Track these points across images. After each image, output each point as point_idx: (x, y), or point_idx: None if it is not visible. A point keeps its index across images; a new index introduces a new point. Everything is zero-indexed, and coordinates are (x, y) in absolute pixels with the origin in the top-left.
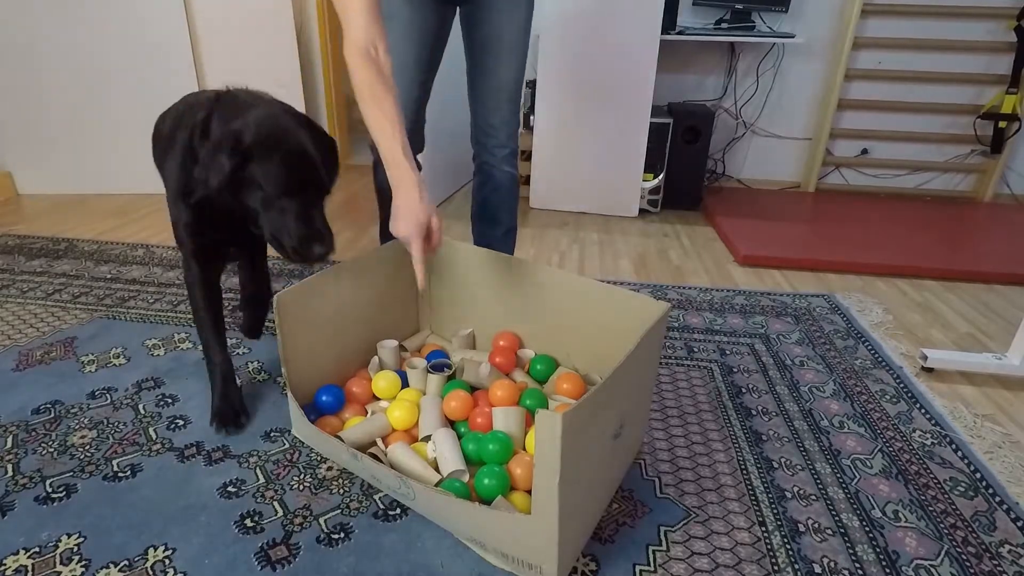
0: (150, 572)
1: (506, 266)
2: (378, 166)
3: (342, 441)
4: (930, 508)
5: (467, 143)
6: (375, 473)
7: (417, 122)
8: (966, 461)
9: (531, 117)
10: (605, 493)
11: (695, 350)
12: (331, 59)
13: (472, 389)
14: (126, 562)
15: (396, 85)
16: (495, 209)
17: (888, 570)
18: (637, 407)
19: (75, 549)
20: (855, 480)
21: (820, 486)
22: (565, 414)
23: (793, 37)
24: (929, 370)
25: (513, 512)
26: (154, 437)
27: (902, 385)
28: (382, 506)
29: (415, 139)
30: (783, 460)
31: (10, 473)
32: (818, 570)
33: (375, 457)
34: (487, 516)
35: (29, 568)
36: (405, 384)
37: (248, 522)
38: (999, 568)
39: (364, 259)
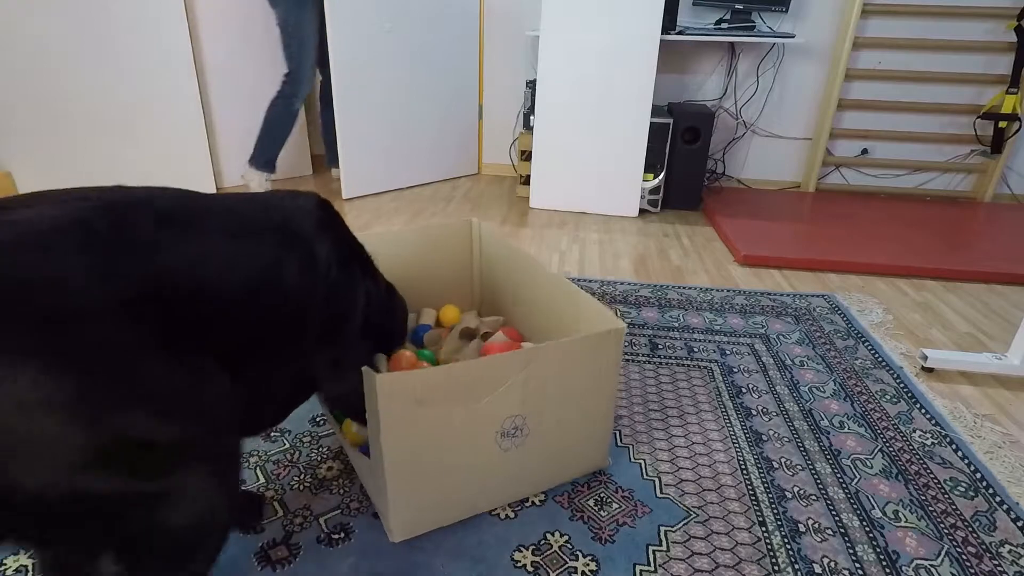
0: None
1: (522, 263)
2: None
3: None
4: (930, 508)
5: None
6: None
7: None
8: (966, 461)
9: (531, 117)
10: (493, 487)
11: (695, 350)
12: None
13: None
14: None
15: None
16: None
17: (888, 570)
18: (563, 420)
19: None
20: (855, 480)
21: (820, 486)
22: (380, 376)
23: (793, 37)
24: (929, 370)
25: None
26: None
27: (902, 385)
28: None
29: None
30: (783, 460)
31: None
32: (818, 570)
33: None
34: (360, 460)
35: (29, 568)
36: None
37: None
38: (999, 568)
39: (421, 229)
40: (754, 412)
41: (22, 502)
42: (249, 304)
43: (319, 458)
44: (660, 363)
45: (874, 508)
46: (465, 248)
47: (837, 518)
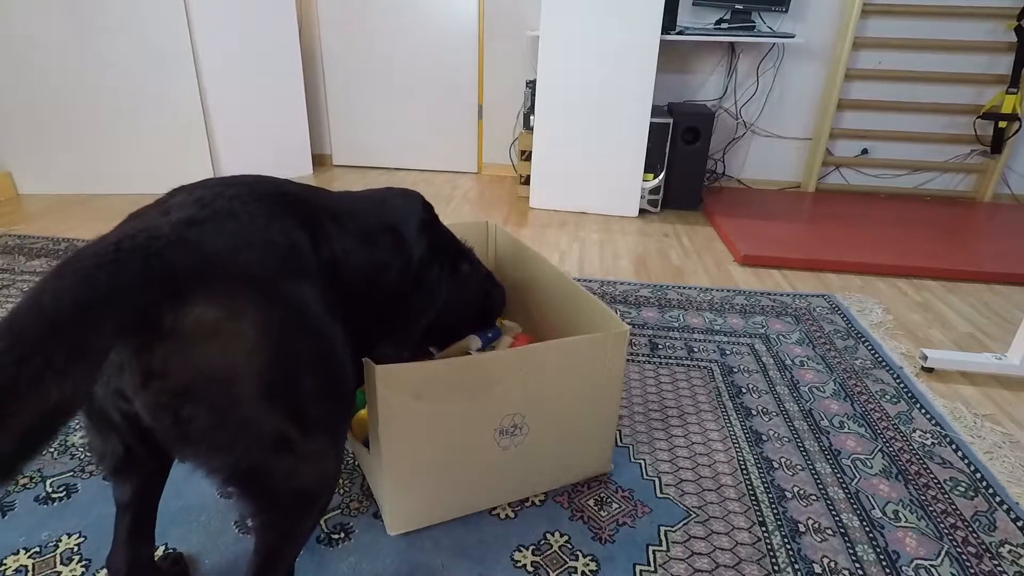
0: None
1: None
2: None
3: None
4: (930, 508)
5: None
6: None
7: None
8: (966, 461)
9: (531, 117)
10: (492, 485)
11: (695, 350)
12: None
13: None
14: None
15: None
16: None
17: (888, 570)
18: (563, 421)
19: (75, 549)
20: (855, 480)
21: (820, 486)
22: (380, 367)
23: (793, 37)
24: (929, 370)
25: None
26: None
27: (902, 385)
28: None
29: None
30: (783, 460)
31: None
32: (818, 570)
33: None
34: (362, 453)
35: (29, 568)
36: None
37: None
38: (999, 568)
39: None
40: (754, 412)
41: (234, 419)
42: (365, 297)
43: None
44: (660, 363)
45: (874, 508)
46: (480, 249)
47: (837, 518)
